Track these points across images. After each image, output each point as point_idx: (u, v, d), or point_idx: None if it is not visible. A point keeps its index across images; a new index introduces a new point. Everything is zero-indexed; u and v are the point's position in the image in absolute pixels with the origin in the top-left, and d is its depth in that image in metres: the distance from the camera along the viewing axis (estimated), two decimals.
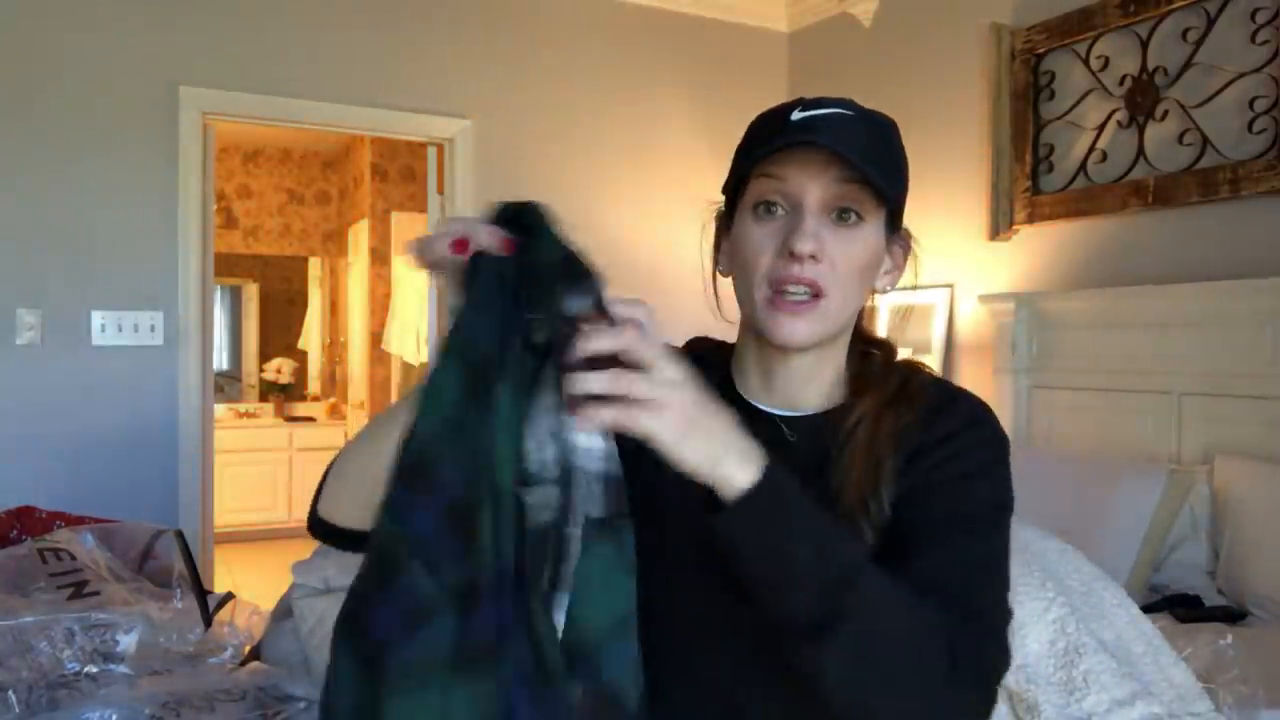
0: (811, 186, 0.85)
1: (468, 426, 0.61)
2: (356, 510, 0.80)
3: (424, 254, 0.70)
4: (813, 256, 0.85)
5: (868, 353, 0.96)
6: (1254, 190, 2.76)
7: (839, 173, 0.85)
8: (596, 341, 0.66)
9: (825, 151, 0.83)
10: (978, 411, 0.91)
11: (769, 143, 0.86)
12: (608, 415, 0.66)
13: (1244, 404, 2.69)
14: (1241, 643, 1.80)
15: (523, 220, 0.67)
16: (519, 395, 0.64)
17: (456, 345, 0.64)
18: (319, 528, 0.86)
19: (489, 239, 0.67)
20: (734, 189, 0.92)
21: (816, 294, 0.86)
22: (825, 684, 0.73)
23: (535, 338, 0.65)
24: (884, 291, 0.95)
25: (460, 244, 0.67)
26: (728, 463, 0.70)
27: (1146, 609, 2.04)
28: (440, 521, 0.60)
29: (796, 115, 0.86)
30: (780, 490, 0.71)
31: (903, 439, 0.87)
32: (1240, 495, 2.57)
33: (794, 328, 0.87)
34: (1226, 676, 1.71)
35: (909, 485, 0.85)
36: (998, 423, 0.91)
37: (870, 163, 0.84)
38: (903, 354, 0.98)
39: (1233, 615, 2.38)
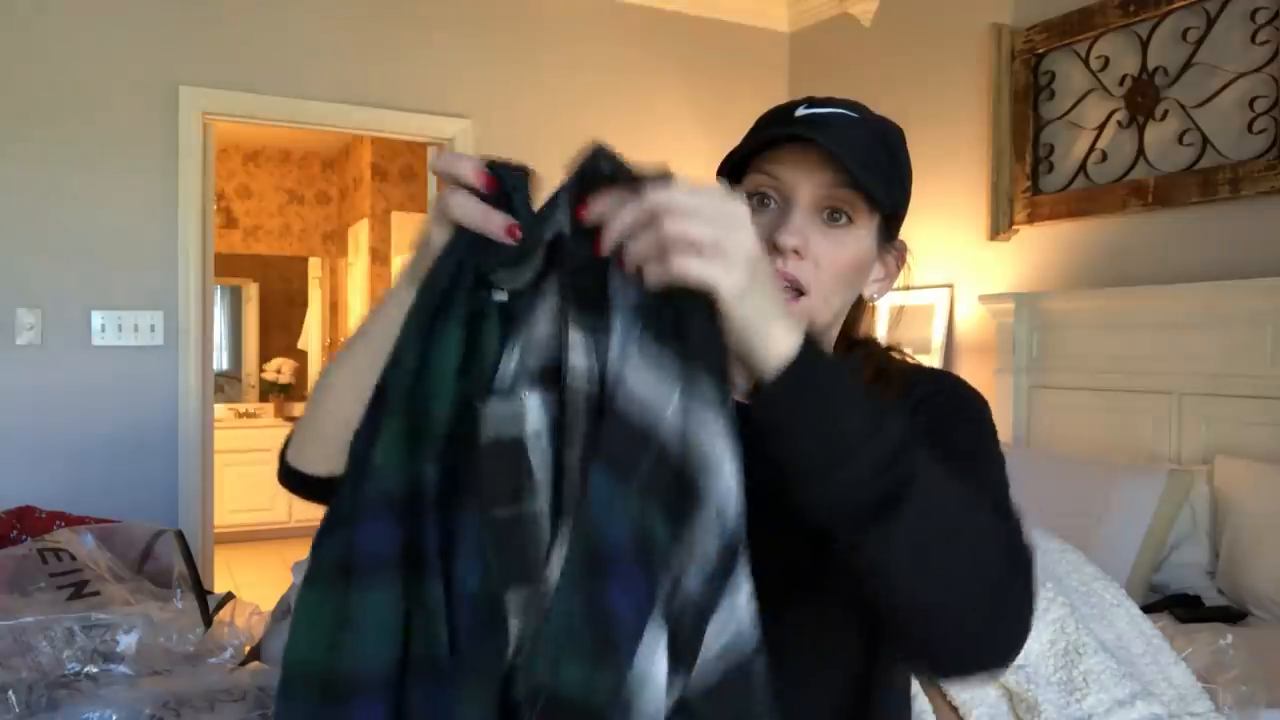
0: (804, 184, 0.85)
1: (407, 350, 0.64)
2: (318, 452, 0.81)
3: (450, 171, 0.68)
4: (796, 252, 0.85)
5: (851, 349, 0.96)
6: (1254, 190, 2.76)
7: (833, 173, 0.85)
8: (628, 210, 0.61)
9: (821, 150, 0.83)
10: (954, 378, 0.91)
11: (768, 135, 0.86)
12: (658, 270, 0.61)
13: (1244, 404, 2.69)
14: (1241, 643, 1.81)
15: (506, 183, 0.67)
16: (465, 325, 0.64)
17: (426, 282, 0.66)
18: (289, 478, 0.86)
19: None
20: (731, 179, 0.92)
21: (797, 290, 0.86)
22: (893, 574, 0.66)
23: (503, 264, 0.64)
24: (872, 299, 0.95)
25: (512, 230, 0.66)
26: (776, 326, 0.64)
27: (1146, 609, 2.04)
28: (371, 440, 0.64)
29: (801, 112, 0.87)
30: (823, 356, 0.66)
31: None
32: (1240, 495, 2.57)
33: None
34: (1226, 676, 1.71)
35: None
36: (977, 391, 0.90)
37: (867, 167, 0.84)
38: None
39: (1233, 615, 2.38)
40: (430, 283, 0.65)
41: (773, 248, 0.85)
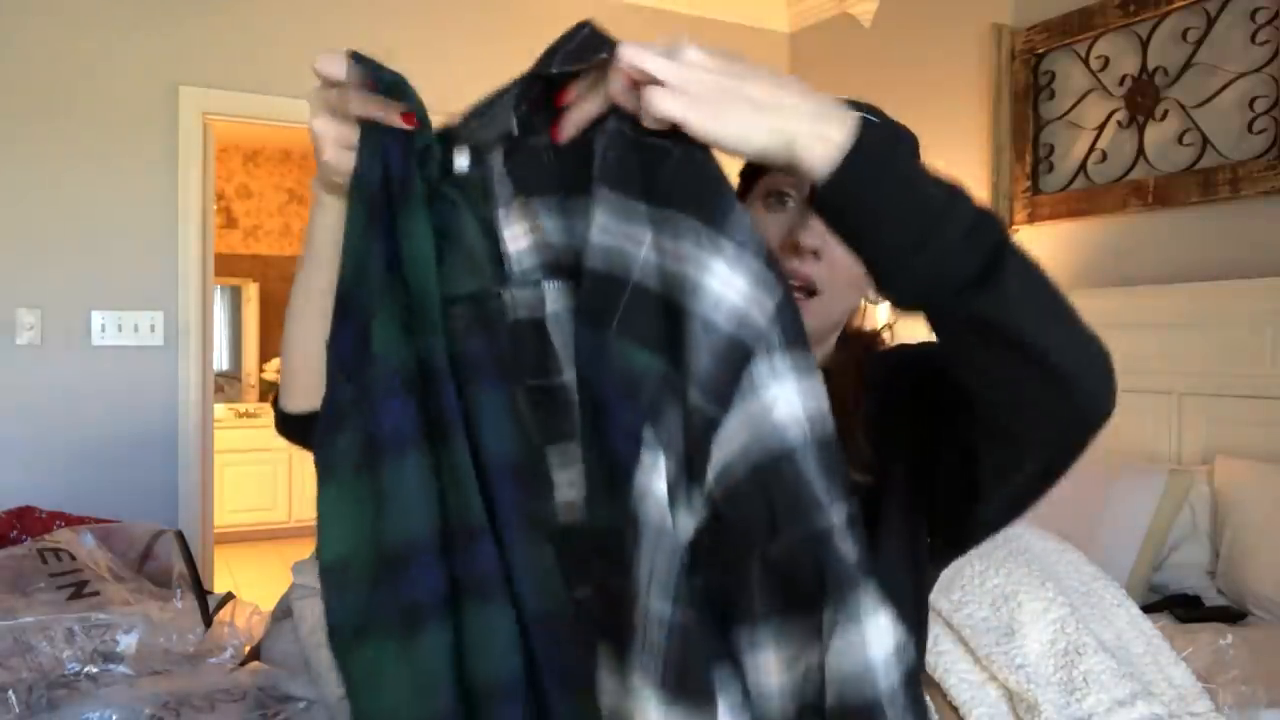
0: None
1: (370, 254, 0.66)
2: (300, 388, 0.83)
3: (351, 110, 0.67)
4: (815, 253, 0.85)
5: (847, 343, 0.97)
6: (1254, 190, 2.76)
7: None
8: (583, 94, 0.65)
9: None
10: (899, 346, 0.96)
11: None
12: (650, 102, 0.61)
13: (1244, 404, 2.69)
14: (1241, 643, 1.81)
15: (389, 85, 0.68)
16: (429, 213, 0.67)
17: (355, 187, 0.67)
18: (282, 423, 0.87)
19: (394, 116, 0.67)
20: (749, 176, 0.92)
21: (811, 291, 0.86)
22: (1015, 323, 0.64)
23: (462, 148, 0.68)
24: (875, 303, 0.96)
25: (409, 117, 0.67)
26: (809, 132, 0.61)
27: (1146, 609, 2.04)
28: (355, 341, 0.66)
29: None
30: (888, 136, 0.64)
31: (870, 389, 0.90)
32: (1240, 495, 2.57)
33: None
34: (1226, 676, 1.71)
35: (909, 382, 0.87)
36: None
37: None
38: None
39: (1233, 615, 2.38)
40: (363, 184, 0.66)
41: (793, 247, 0.85)
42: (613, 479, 0.61)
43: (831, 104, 0.64)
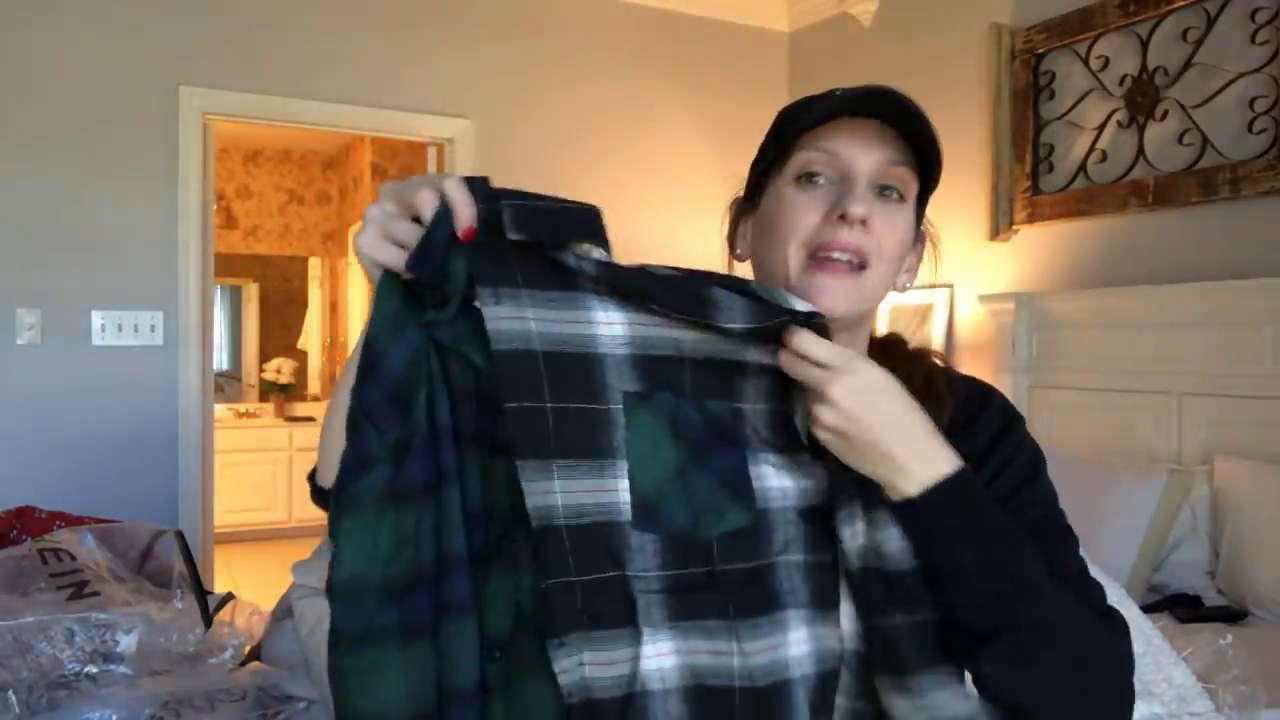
0: (862, 157, 0.84)
1: (407, 327, 0.76)
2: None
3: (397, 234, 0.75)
4: (863, 223, 0.82)
5: (884, 345, 0.94)
6: (1254, 190, 2.76)
7: (889, 149, 0.84)
8: (815, 346, 0.73)
9: (874, 124, 0.83)
10: (1007, 408, 0.91)
11: (817, 112, 0.84)
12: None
13: (1244, 404, 2.69)
14: (1241, 643, 1.80)
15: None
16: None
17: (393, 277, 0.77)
18: (319, 498, 0.87)
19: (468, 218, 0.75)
20: (769, 164, 0.89)
21: (861, 264, 0.84)
22: (990, 688, 0.74)
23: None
24: (902, 289, 0.91)
25: (469, 232, 0.74)
26: (904, 472, 0.74)
27: (1146, 609, 2.04)
28: (383, 396, 0.76)
29: (841, 92, 0.84)
30: (955, 497, 0.74)
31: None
32: (1240, 495, 2.57)
33: (834, 292, 0.83)
34: (1226, 676, 1.71)
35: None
36: (1018, 410, 0.92)
37: (923, 136, 0.85)
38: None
39: (1233, 615, 2.38)
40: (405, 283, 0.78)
41: (839, 218, 0.82)
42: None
43: (923, 460, 0.74)
